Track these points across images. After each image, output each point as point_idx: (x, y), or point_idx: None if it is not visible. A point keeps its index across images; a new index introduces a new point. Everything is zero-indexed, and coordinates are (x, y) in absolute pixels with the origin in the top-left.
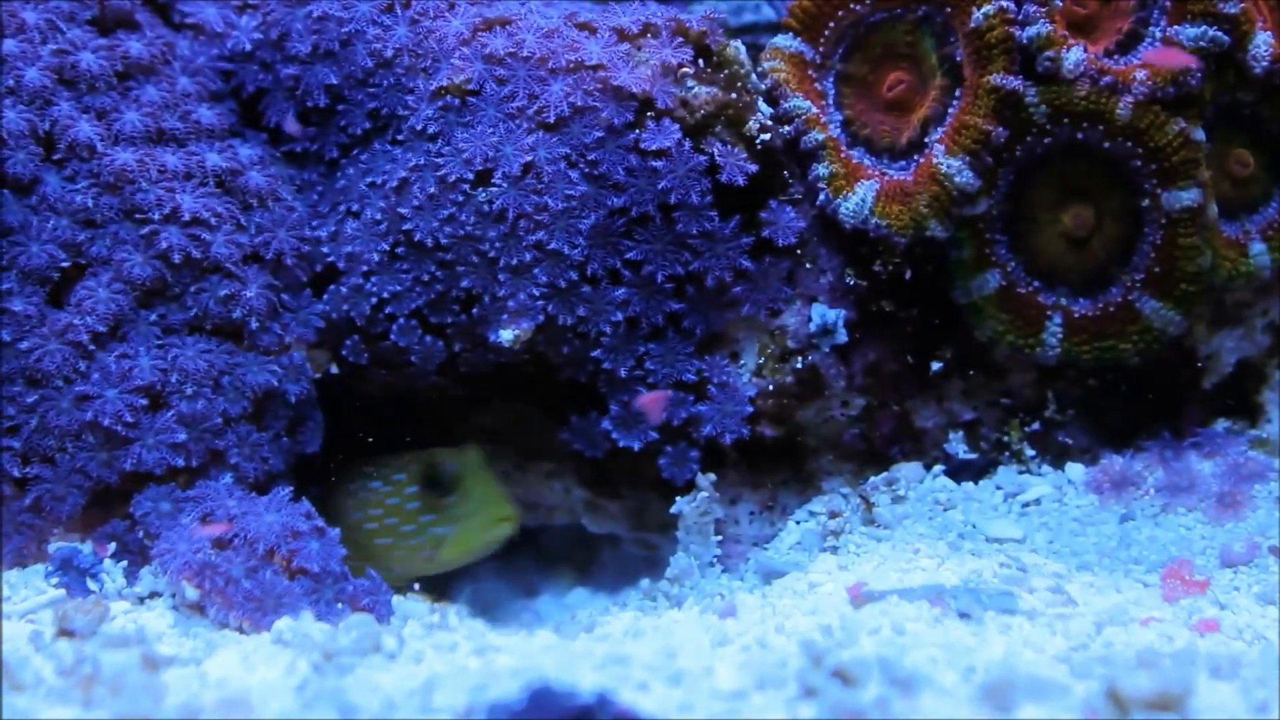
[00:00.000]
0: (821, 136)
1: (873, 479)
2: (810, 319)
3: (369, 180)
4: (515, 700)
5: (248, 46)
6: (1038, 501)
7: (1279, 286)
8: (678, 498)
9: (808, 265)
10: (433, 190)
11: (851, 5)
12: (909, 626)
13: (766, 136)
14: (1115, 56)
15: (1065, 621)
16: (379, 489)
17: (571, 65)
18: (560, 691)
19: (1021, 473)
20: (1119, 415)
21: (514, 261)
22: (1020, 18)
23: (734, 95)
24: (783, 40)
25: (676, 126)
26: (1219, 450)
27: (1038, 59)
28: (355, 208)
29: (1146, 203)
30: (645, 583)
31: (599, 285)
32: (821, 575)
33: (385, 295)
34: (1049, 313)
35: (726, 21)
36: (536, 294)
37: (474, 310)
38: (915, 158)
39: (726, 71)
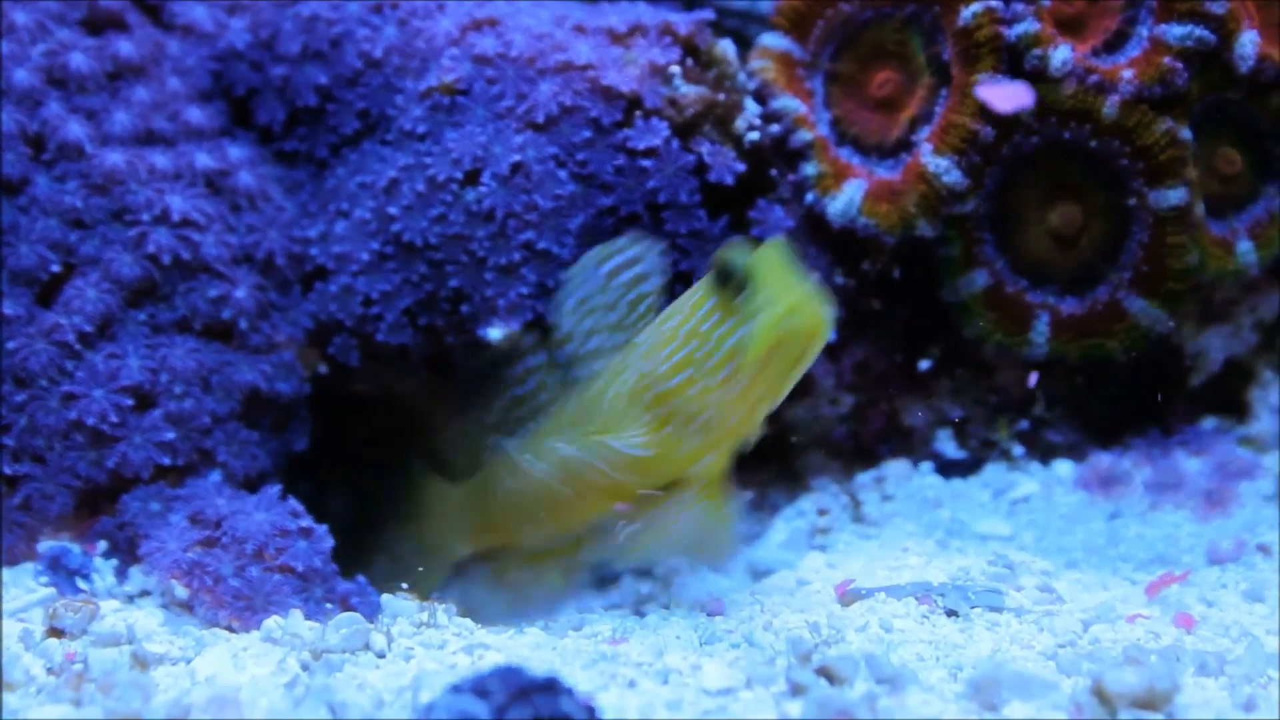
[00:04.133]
0: (810, 136)
1: (861, 477)
2: None
3: (359, 180)
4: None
5: (238, 47)
6: (1026, 499)
7: (1267, 284)
8: None
9: None
10: (422, 190)
11: (840, 4)
12: (897, 624)
13: (755, 135)
14: (1103, 55)
15: (1052, 619)
16: (673, 321)
17: (560, 65)
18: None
19: (1010, 470)
20: (1107, 413)
21: (503, 261)
22: (1008, 16)
23: (722, 94)
24: (771, 39)
25: (665, 125)
26: (1206, 448)
27: (1025, 57)
28: (345, 208)
29: (1134, 201)
30: (633, 580)
31: None
32: (810, 573)
33: (374, 295)
34: (1036, 311)
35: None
36: (526, 293)
37: (463, 309)
38: (903, 156)
39: (715, 71)
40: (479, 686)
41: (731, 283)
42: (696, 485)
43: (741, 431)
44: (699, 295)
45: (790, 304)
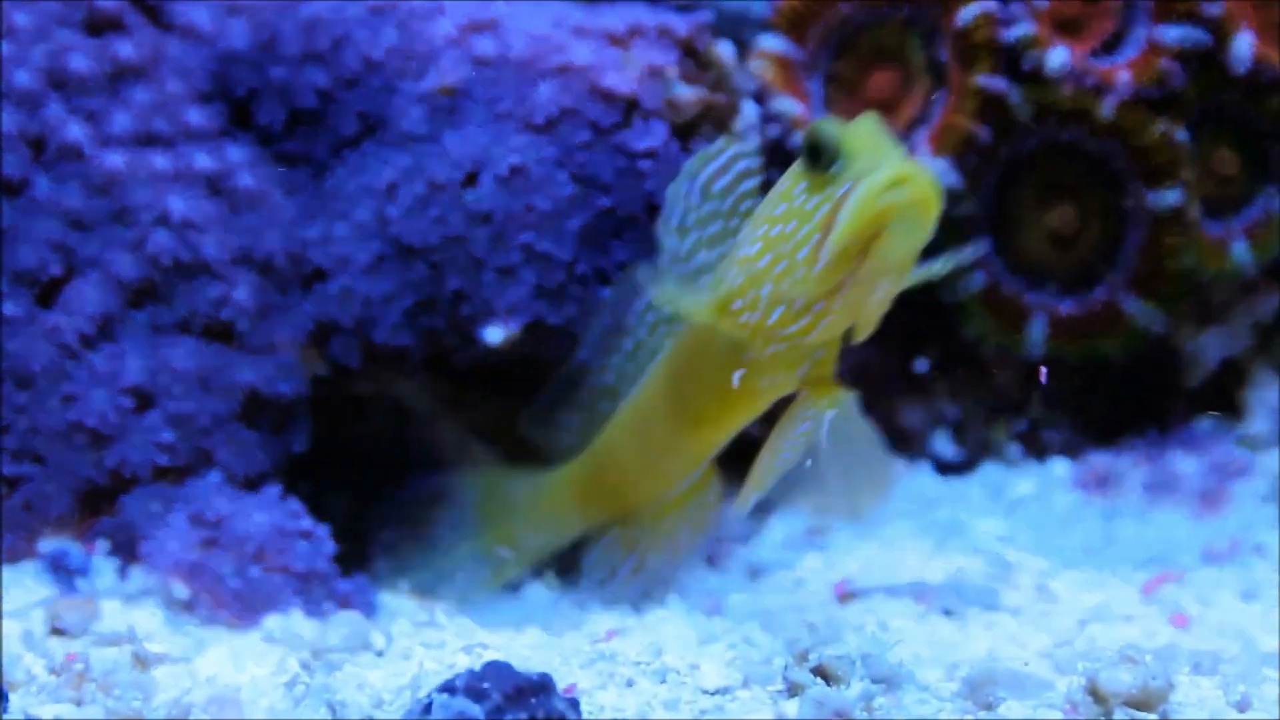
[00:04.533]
0: None
1: None
2: None
3: (358, 182)
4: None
5: (238, 48)
6: (1023, 499)
7: (1264, 285)
8: None
9: None
10: (421, 192)
11: (839, 5)
12: (893, 623)
13: (754, 137)
14: (1100, 57)
15: (1048, 618)
16: (764, 209)
17: (559, 67)
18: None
19: (1007, 470)
20: (1104, 413)
21: (502, 262)
22: (1006, 18)
23: (721, 96)
24: (770, 41)
25: (664, 127)
26: (1203, 448)
27: (1023, 59)
28: (344, 209)
29: (1131, 202)
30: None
31: (587, 285)
32: (807, 572)
33: (374, 296)
34: (1034, 312)
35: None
36: (525, 294)
37: (463, 310)
38: None
39: (714, 72)
40: (474, 686)
41: (823, 158)
42: (807, 394)
43: (840, 326)
44: (792, 177)
45: (890, 177)
